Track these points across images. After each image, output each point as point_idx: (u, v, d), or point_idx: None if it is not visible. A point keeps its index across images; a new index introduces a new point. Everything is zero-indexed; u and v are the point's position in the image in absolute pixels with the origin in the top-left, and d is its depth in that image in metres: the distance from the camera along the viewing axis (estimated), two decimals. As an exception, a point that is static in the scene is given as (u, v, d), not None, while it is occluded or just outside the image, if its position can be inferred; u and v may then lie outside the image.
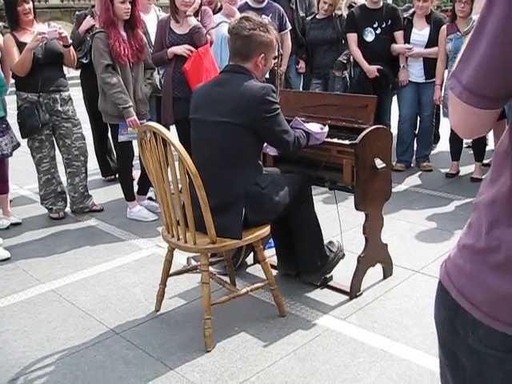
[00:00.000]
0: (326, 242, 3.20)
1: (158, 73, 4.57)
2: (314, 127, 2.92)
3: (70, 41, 4.36)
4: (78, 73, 5.34)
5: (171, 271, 2.99)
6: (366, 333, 2.74)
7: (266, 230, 2.76)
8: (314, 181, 3.11)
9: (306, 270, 3.17)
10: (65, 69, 4.55)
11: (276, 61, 3.07)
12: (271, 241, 3.46)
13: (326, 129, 2.95)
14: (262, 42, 2.71)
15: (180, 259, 3.51)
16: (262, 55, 2.73)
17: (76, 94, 5.19)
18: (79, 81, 5.29)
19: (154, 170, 2.68)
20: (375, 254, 3.15)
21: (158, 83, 4.56)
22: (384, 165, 2.91)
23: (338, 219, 3.32)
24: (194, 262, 3.37)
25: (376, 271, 3.23)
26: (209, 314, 2.64)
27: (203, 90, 2.82)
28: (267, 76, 4.38)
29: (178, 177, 2.62)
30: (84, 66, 4.91)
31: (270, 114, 2.65)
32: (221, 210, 2.64)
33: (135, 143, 3.49)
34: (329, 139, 2.97)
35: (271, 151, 3.10)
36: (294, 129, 2.83)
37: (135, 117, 4.13)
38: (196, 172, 2.50)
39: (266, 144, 2.94)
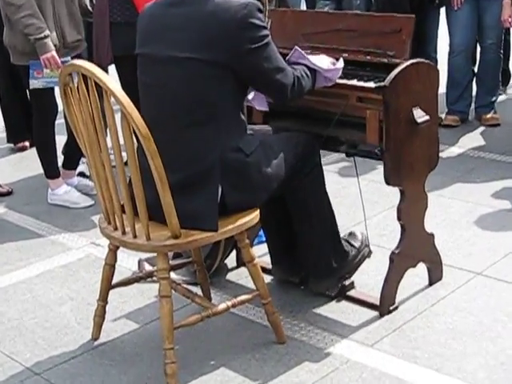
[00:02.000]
0: (343, 233, 3.21)
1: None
2: (322, 62, 2.91)
3: None
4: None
5: (114, 281, 3.00)
6: (406, 365, 2.76)
7: (253, 217, 2.77)
8: (322, 143, 3.12)
9: (315, 273, 3.18)
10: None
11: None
12: (262, 233, 3.48)
13: (341, 64, 2.95)
14: None
15: (127, 263, 3.52)
16: None
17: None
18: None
19: (86, 131, 2.67)
20: (416, 249, 3.17)
21: (87, 2, 4.53)
22: (427, 117, 2.93)
23: (360, 199, 3.34)
24: (148, 267, 3.38)
25: (418, 275, 3.26)
26: (171, 343, 2.64)
27: (155, 13, 2.80)
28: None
29: (122, 141, 2.61)
30: None
31: (256, 45, 2.63)
32: (186, 189, 2.64)
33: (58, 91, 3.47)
34: (345, 81, 2.98)
35: (258, 104, 3.09)
36: (292, 65, 2.83)
37: (53, 52, 4.11)
38: (147, 133, 2.49)
39: (250, 93, 2.93)
